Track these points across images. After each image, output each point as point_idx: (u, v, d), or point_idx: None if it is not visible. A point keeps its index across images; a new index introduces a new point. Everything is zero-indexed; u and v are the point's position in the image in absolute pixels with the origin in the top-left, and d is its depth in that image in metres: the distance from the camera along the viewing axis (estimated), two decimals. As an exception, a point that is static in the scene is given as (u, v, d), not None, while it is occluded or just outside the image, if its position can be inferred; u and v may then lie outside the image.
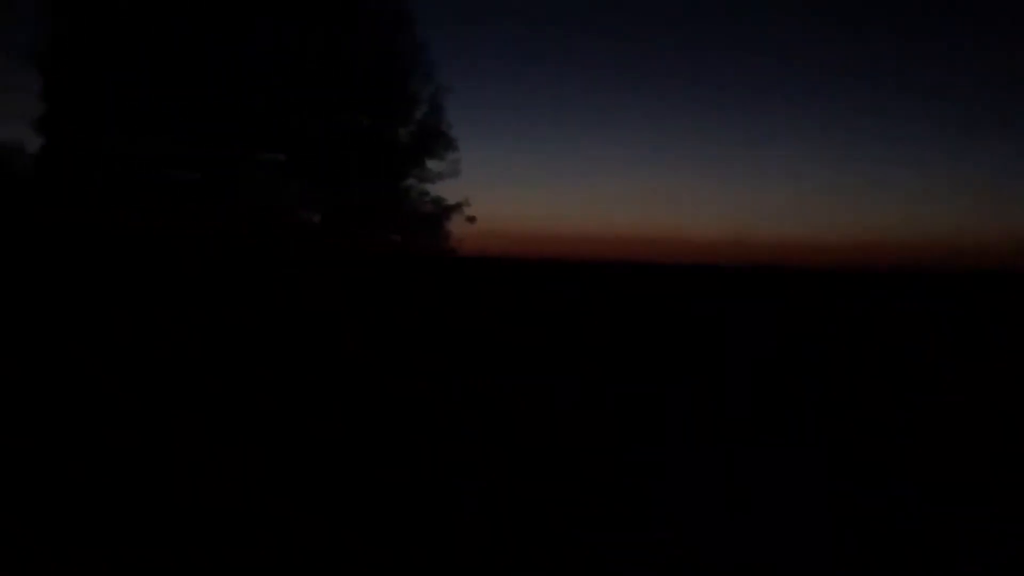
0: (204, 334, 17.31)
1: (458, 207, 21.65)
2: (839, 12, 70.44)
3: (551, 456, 10.04)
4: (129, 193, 18.42)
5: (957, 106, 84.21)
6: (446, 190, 21.88)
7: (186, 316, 17.61)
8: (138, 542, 6.80)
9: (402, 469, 9.25)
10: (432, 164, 21.53)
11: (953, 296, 41.51)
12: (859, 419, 12.46)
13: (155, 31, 18.13)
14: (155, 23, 18.12)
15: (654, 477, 9.17)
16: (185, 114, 18.81)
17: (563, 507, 8.12)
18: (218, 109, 19.03)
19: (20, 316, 19.67)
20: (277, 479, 8.94)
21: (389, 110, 21.19)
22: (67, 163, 18.45)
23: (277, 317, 18.14)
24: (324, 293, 18.85)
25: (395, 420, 11.48)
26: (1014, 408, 13.17)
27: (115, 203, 18.16)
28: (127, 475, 8.45)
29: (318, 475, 9.02)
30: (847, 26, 70.81)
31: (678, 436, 11.35)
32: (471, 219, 21.73)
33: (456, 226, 21.78)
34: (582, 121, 71.79)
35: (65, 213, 18.22)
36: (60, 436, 11.06)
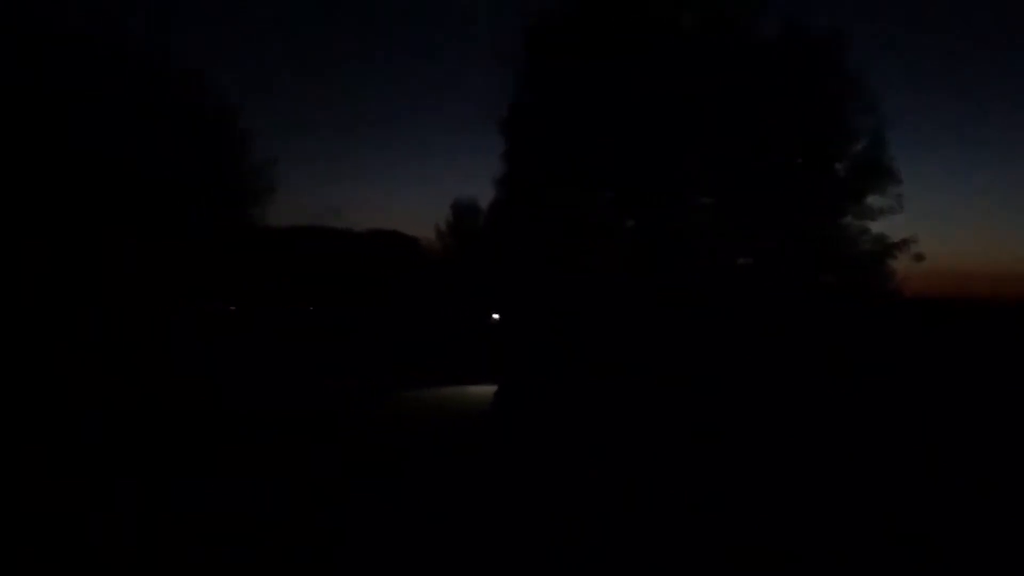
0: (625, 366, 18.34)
1: (903, 244, 20.22)
2: None
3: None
4: (570, 239, 20.43)
5: None
6: (888, 226, 20.58)
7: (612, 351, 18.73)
8: None
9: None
10: (872, 200, 20.37)
11: None
12: None
13: (600, 95, 19.89)
14: (598, 88, 19.90)
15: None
16: (621, 165, 20.15)
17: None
18: (651, 156, 19.95)
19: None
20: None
21: (825, 145, 20.51)
22: (518, 215, 21.10)
23: (710, 356, 18.41)
24: (756, 333, 18.75)
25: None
26: None
27: (557, 249, 20.31)
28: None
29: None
30: None
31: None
32: (919, 257, 20.26)
33: (901, 264, 20.49)
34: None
35: (514, 259, 21.07)
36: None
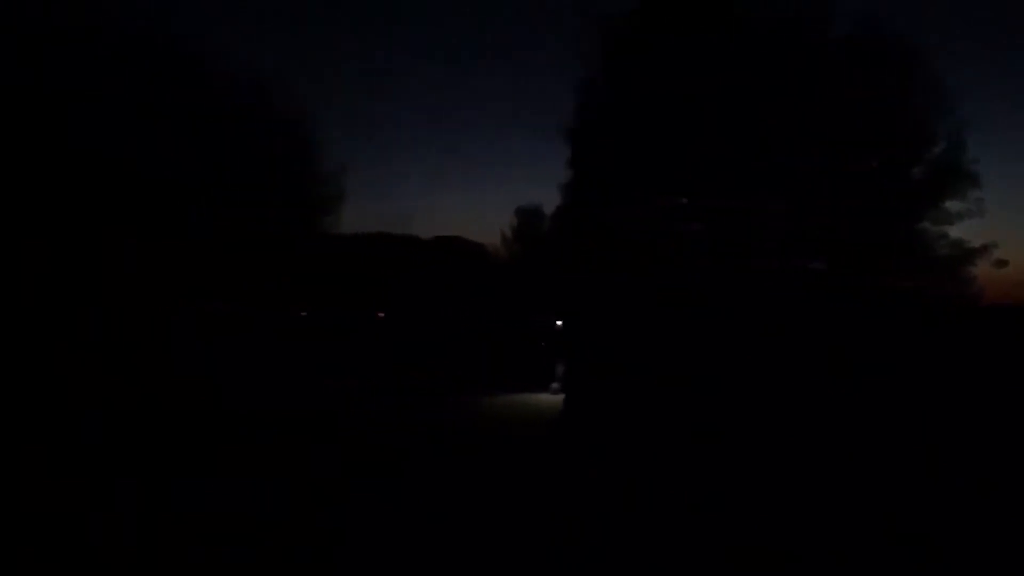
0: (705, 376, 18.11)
1: (983, 250, 19.94)
2: None
3: None
4: (634, 246, 20.33)
5: None
6: (969, 231, 20.29)
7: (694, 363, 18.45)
8: None
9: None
10: (950, 204, 20.11)
11: None
12: None
13: (669, 101, 19.88)
14: (667, 94, 19.90)
15: None
16: (690, 169, 20.04)
17: None
18: (721, 160, 19.81)
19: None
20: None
21: (901, 149, 20.28)
22: (583, 222, 21.10)
23: (782, 362, 18.17)
24: (830, 340, 18.43)
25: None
26: None
27: (623, 255, 20.23)
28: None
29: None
30: None
31: None
32: (1001, 263, 19.95)
33: (982, 271, 20.24)
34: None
35: (579, 264, 20.96)
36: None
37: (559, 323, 25.31)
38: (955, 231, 20.08)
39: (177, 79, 21.35)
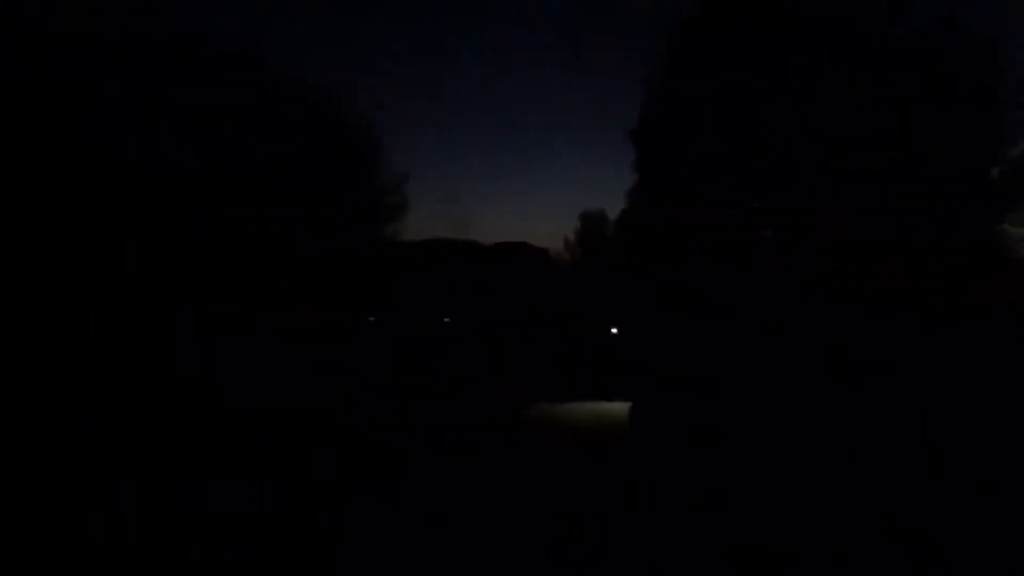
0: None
1: None
2: None
3: None
4: (695, 252, 20.31)
5: None
6: None
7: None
8: None
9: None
10: None
11: None
12: None
13: (734, 104, 19.86)
14: (734, 98, 19.87)
15: None
16: (758, 174, 20.01)
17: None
18: (788, 165, 19.78)
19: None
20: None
21: (978, 149, 20.06)
22: (646, 226, 21.21)
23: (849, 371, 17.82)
24: (897, 348, 18.22)
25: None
26: None
27: (688, 260, 20.20)
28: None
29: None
30: None
31: None
32: None
33: None
34: None
35: (643, 270, 21.07)
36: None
37: (614, 330, 25.26)
38: None
39: (215, 83, 21.51)
